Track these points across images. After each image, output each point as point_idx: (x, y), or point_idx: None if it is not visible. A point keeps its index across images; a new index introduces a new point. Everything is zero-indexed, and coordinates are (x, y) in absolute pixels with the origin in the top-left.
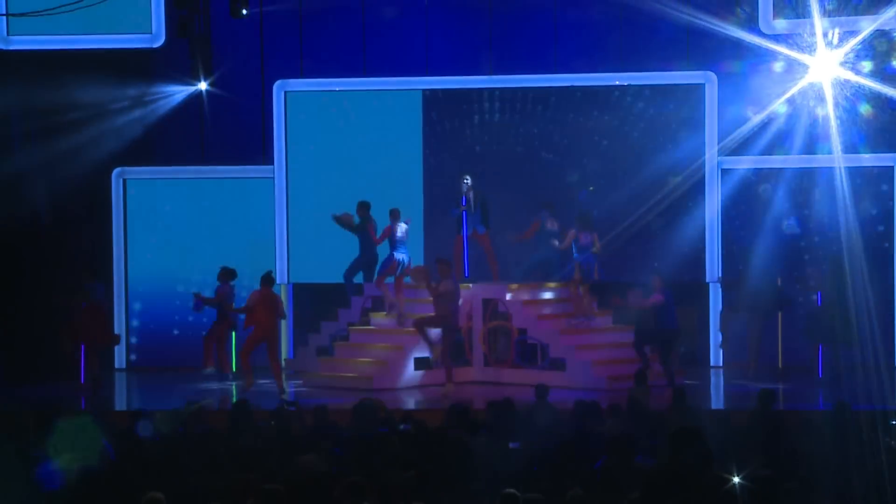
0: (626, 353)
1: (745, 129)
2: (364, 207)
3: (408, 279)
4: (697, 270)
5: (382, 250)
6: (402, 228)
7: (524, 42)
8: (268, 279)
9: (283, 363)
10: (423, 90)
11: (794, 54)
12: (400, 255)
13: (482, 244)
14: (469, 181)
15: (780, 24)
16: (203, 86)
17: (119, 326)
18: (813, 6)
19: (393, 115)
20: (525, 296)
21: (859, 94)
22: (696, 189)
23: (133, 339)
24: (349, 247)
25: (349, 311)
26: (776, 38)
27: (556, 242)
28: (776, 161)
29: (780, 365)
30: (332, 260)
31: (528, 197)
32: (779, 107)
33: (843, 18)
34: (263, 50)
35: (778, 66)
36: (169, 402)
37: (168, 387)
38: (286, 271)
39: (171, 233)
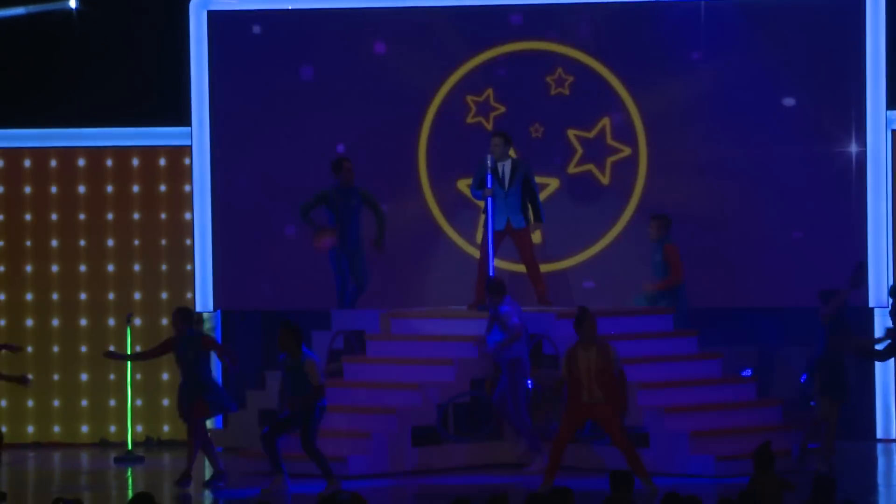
0: (746, 418)
1: None
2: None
3: None
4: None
5: None
6: None
7: None
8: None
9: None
10: (419, 7)
11: None
12: None
13: (520, 246)
14: (501, 146)
15: None
16: (74, 2)
17: None
18: None
19: (375, 48)
20: None
21: None
22: (850, 165)
23: None
24: (305, 253)
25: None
26: None
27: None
28: None
29: None
30: (282, 275)
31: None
32: None
33: None
34: None
35: None
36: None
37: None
38: (210, 292)
39: (27, 231)
